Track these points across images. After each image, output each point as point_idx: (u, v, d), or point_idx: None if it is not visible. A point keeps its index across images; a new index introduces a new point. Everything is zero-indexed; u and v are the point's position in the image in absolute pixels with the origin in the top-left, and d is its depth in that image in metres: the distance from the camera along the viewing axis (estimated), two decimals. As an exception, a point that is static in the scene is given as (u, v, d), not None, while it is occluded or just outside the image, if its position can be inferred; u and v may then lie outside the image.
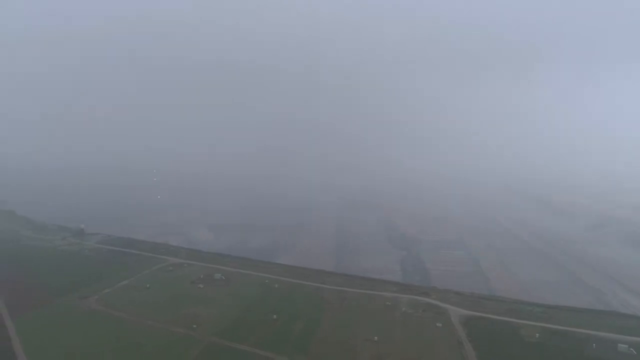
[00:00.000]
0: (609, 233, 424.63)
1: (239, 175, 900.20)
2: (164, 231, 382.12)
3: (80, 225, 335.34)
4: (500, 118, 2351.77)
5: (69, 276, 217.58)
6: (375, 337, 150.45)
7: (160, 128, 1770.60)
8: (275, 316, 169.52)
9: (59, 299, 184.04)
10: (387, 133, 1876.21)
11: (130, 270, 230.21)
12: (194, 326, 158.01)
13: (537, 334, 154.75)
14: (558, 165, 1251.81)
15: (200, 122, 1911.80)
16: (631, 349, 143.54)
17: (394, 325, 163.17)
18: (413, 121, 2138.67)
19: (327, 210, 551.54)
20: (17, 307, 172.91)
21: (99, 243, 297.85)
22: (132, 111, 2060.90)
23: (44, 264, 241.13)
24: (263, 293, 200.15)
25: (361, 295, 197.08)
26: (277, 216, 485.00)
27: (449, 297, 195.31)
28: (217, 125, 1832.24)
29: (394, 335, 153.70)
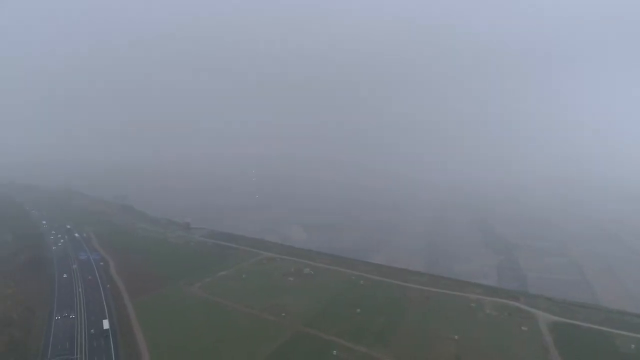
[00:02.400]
0: None
1: (332, 178, 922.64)
2: (262, 228, 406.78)
3: (187, 220, 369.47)
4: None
5: (177, 265, 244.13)
6: (456, 336, 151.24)
7: (250, 136, 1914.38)
8: (358, 310, 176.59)
9: (168, 285, 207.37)
10: (475, 133, 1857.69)
11: (229, 262, 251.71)
12: (283, 314, 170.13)
13: (633, 345, 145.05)
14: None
15: (285, 131, 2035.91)
16: None
17: (476, 326, 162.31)
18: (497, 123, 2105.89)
19: (421, 210, 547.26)
20: (135, 290, 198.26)
21: (203, 236, 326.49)
22: (228, 122, 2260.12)
23: (157, 254, 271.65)
24: (348, 288, 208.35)
25: (445, 295, 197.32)
26: (370, 216, 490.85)
27: (538, 303, 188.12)
28: (298, 134, 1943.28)
29: (475, 336, 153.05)
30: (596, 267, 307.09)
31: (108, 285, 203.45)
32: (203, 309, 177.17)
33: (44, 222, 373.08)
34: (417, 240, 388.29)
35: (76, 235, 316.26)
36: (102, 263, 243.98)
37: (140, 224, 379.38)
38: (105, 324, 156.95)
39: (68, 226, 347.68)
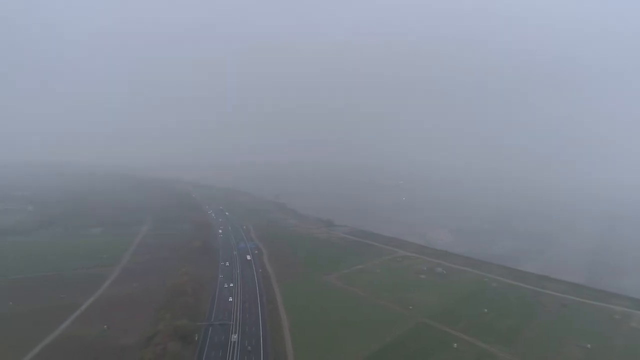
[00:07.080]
0: None
1: (486, 184, 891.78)
2: (402, 229, 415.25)
3: (330, 217, 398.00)
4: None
5: (318, 257, 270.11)
6: (589, 345, 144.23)
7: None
8: (486, 310, 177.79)
9: (310, 273, 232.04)
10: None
11: (366, 257, 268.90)
12: (410, 307, 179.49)
13: None
14: None
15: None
16: None
17: (615, 338, 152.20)
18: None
19: (588, 219, 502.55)
20: (282, 275, 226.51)
21: (344, 233, 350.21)
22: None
23: (302, 246, 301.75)
24: (478, 289, 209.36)
25: (585, 305, 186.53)
26: (528, 226, 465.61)
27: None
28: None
29: (613, 347, 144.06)
30: None
31: (260, 270, 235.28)
32: (337, 295, 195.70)
33: (213, 214, 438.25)
34: (577, 252, 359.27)
35: (231, 220, 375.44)
36: (256, 251, 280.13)
37: (291, 220, 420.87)
38: (248, 257, 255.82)
39: (229, 216, 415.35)
